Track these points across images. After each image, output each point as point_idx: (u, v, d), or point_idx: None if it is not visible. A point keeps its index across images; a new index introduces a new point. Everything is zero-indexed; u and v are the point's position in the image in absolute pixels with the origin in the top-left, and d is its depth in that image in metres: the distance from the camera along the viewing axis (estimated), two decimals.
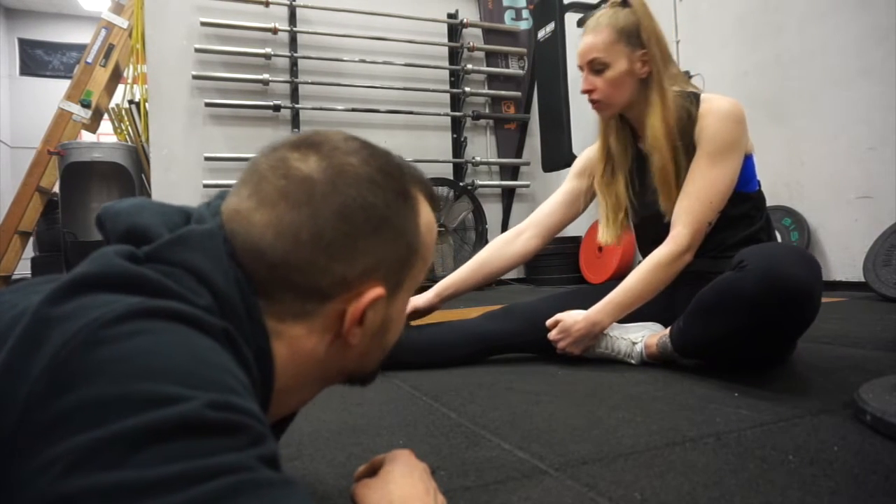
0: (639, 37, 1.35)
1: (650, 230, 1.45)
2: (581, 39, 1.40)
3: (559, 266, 4.03)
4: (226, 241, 0.46)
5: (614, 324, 1.40)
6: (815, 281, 1.07)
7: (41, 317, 0.36)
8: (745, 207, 1.37)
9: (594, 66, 1.37)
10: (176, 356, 0.36)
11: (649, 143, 1.37)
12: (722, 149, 1.31)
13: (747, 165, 1.37)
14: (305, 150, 0.48)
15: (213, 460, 0.31)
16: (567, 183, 1.59)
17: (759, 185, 1.42)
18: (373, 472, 0.57)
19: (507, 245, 1.56)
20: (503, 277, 4.37)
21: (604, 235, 1.50)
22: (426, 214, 0.54)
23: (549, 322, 1.41)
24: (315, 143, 0.49)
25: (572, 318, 1.38)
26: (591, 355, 1.41)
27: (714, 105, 1.33)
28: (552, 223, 1.58)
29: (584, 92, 1.40)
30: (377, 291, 0.49)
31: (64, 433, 0.31)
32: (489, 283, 1.52)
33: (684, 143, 1.35)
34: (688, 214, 1.32)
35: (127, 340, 0.35)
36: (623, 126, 1.47)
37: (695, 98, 1.37)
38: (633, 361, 1.37)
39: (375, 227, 0.48)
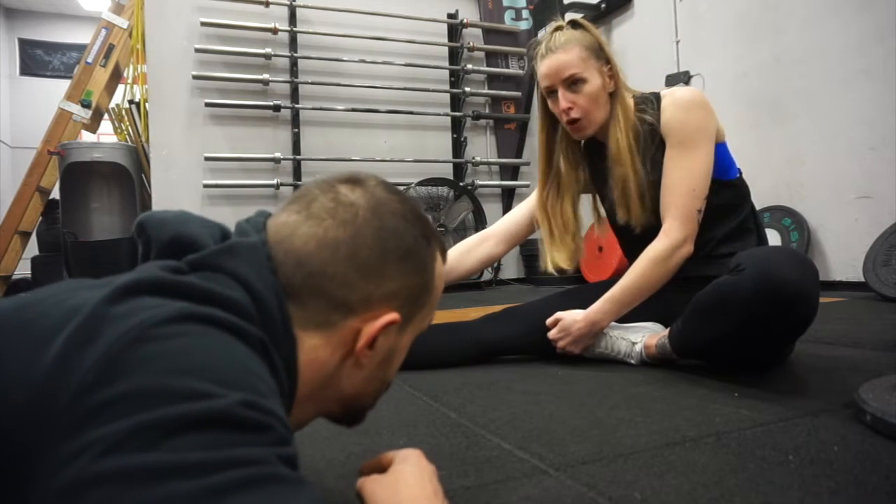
0: (602, 51, 1.37)
1: (632, 240, 1.42)
2: (545, 61, 1.36)
3: None
4: (269, 257, 0.51)
5: (614, 323, 1.40)
6: (811, 284, 1.07)
7: (98, 314, 0.39)
8: (727, 196, 1.37)
9: (571, 82, 1.35)
10: (214, 358, 0.39)
11: (612, 156, 1.37)
12: (691, 136, 1.31)
13: (722, 153, 1.37)
14: (352, 185, 0.55)
15: (236, 451, 0.34)
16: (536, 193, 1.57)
17: (740, 173, 1.41)
18: (380, 468, 0.57)
19: (471, 251, 1.55)
20: (503, 277, 4.39)
21: (553, 259, 1.47)
22: (440, 266, 0.60)
23: (549, 321, 1.42)
24: (359, 180, 0.56)
25: (572, 318, 1.38)
26: (590, 355, 1.42)
27: (675, 97, 1.34)
28: (518, 231, 1.57)
29: (564, 111, 1.36)
30: (393, 316, 0.53)
31: (106, 418, 0.34)
32: (450, 286, 1.52)
33: (649, 148, 1.35)
34: (673, 207, 1.32)
35: (172, 340, 0.38)
36: (574, 146, 1.47)
37: (654, 98, 1.38)
38: (632, 361, 1.37)
39: (403, 256, 0.54)
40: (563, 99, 1.36)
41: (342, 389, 0.56)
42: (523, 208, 1.59)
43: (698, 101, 1.33)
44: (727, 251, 1.33)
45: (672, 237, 1.32)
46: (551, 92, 1.39)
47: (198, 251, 0.49)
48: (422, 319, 0.59)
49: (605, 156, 1.41)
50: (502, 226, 1.59)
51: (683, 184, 1.31)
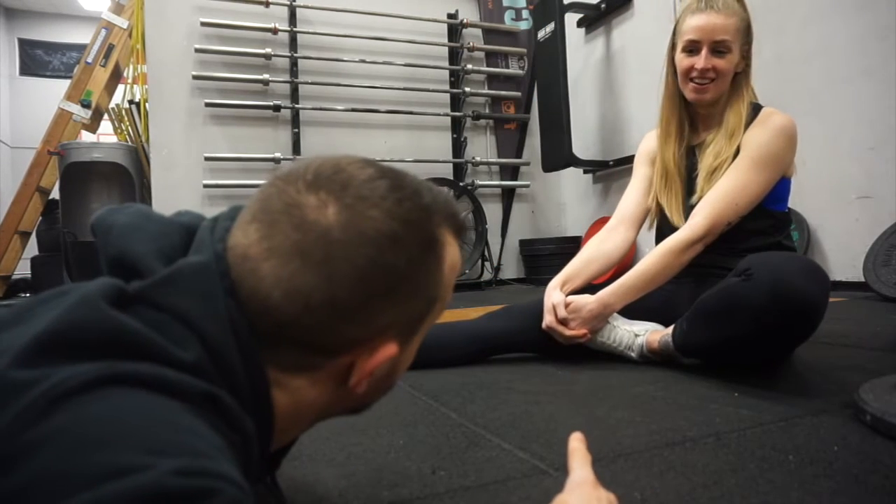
0: (749, 32, 1.38)
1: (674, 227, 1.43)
2: (702, 15, 1.35)
3: (559, 266, 4.00)
4: (224, 275, 0.44)
5: (619, 316, 1.41)
6: (823, 295, 1.07)
7: (3, 382, 0.34)
8: (764, 224, 1.38)
9: (718, 47, 1.35)
10: (140, 422, 0.33)
11: (727, 130, 1.37)
12: (765, 157, 1.33)
13: (782, 186, 1.38)
14: (325, 197, 0.44)
15: None
16: (641, 170, 1.57)
17: (788, 211, 1.43)
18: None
19: (604, 242, 1.53)
20: (503, 277, 4.39)
21: (677, 219, 1.44)
22: (452, 255, 0.50)
23: (557, 304, 1.42)
24: (335, 184, 0.44)
25: (584, 300, 1.39)
26: (592, 345, 1.42)
27: (773, 117, 1.36)
28: (640, 213, 1.56)
29: (702, 70, 1.35)
30: (391, 350, 0.47)
31: None
32: (595, 280, 1.51)
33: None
34: (711, 208, 1.33)
35: (84, 408, 0.33)
36: (687, 112, 1.47)
37: (754, 107, 1.40)
38: (632, 354, 1.37)
39: (394, 288, 0.45)
40: (705, 59, 1.35)
41: (342, 406, 0.52)
42: (636, 188, 1.57)
43: (788, 130, 1.35)
44: (741, 255, 1.35)
45: (693, 232, 1.33)
46: (692, 49, 1.37)
47: (141, 277, 0.43)
48: (431, 322, 0.53)
49: (698, 132, 1.46)
50: (624, 212, 1.56)
51: (731, 194, 1.32)
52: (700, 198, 1.38)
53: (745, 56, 1.40)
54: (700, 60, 1.35)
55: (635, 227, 1.56)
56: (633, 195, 1.57)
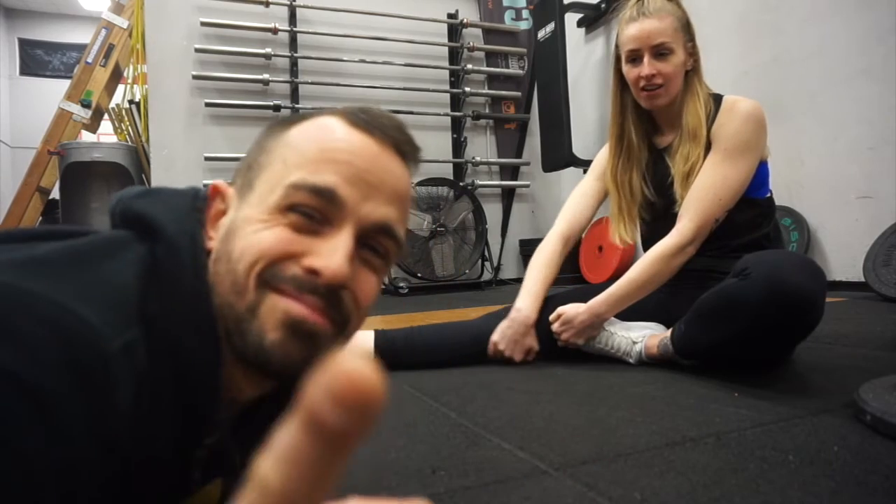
0: (690, 28, 1.38)
1: (660, 230, 1.42)
2: (636, 24, 1.35)
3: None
4: (198, 196, 0.53)
5: (616, 320, 1.41)
6: (819, 290, 1.08)
7: None
8: (751, 214, 1.38)
9: (659, 51, 1.34)
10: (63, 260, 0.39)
11: (689, 130, 1.36)
12: (739, 147, 1.32)
13: (761, 171, 1.37)
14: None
15: None
16: (591, 182, 1.57)
17: (771, 193, 1.42)
18: None
19: (560, 255, 1.54)
20: (503, 277, 4.39)
21: (619, 232, 1.46)
22: (309, 126, 0.57)
23: (551, 316, 1.42)
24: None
25: (575, 310, 1.39)
26: (589, 349, 1.42)
27: (738, 104, 1.34)
28: (586, 222, 1.57)
29: (647, 77, 1.35)
30: (222, 186, 0.56)
31: None
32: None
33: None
34: (695, 209, 1.33)
35: None
36: (642, 120, 1.46)
37: (715, 98, 1.39)
38: (630, 360, 1.37)
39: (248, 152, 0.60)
40: (648, 66, 1.35)
41: (226, 300, 0.46)
42: (585, 198, 1.57)
43: (757, 115, 1.33)
44: (736, 254, 1.33)
45: (683, 236, 1.32)
46: (634, 57, 1.37)
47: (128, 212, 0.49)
48: (268, 182, 0.52)
49: (652, 138, 1.45)
50: (571, 220, 1.56)
51: (713, 190, 1.32)
52: (681, 204, 1.37)
53: (692, 53, 1.39)
54: (644, 68, 1.35)
55: (574, 240, 1.57)
56: (583, 205, 1.57)
